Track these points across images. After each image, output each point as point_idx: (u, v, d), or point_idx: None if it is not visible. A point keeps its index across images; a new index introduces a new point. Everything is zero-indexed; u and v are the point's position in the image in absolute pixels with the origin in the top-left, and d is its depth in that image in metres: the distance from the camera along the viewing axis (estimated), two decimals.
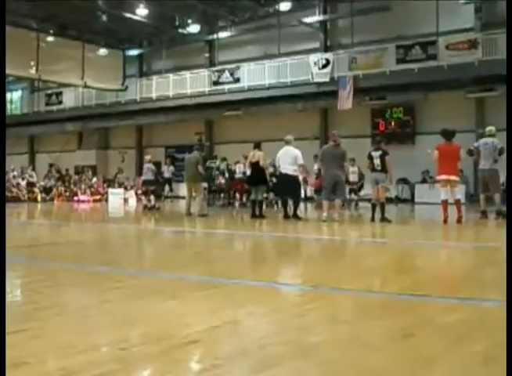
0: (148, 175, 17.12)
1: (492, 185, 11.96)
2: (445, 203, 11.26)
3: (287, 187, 12.52)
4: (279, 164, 12.62)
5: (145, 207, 16.95)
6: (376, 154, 11.75)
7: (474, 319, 3.53)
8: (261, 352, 2.79)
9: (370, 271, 5.68)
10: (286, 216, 12.56)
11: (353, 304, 4.07)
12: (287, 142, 12.62)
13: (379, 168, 11.67)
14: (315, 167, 17.45)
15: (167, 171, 22.57)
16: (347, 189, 15.37)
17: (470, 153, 12.16)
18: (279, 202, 16.31)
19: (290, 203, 13.06)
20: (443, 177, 11.36)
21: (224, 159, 20.94)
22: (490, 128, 12.28)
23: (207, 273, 5.42)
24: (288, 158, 12.35)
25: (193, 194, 14.37)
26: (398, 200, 21.37)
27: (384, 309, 3.83)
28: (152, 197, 17.04)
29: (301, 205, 15.18)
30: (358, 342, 2.99)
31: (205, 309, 3.72)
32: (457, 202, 11.35)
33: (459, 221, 10.98)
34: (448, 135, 11.53)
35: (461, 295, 4.31)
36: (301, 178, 13.52)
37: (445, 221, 10.97)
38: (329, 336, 3.14)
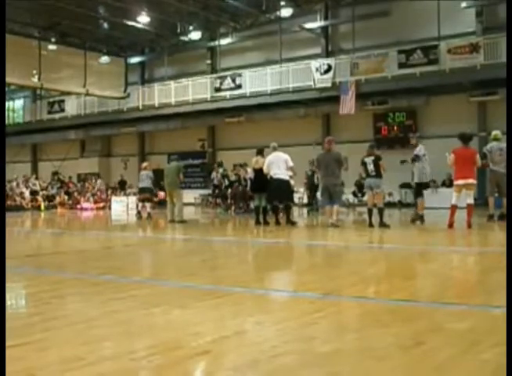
0: (145, 182, 16.91)
1: (501, 188, 11.95)
2: (454, 208, 11.11)
3: (280, 192, 12.50)
4: (269, 169, 12.55)
5: (147, 215, 16.77)
6: (369, 160, 11.78)
7: (485, 327, 3.49)
8: (273, 362, 2.77)
9: (377, 277, 5.65)
10: (277, 222, 12.61)
11: (362, 311, 4.03)
12: (275, 149, 12.77)
13: (373, 173, 11.71)
14: (309, 172, 18.07)
15: None
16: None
17: (484, 156, 12.11)
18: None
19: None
20: (460, 182, 11.14)
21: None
22: (497, 132, 12.25)
23: (214, 281, 5.39)
24: (280, 163, 12.40)
25: (174, 200, 14.70)
26: (401, 204, 21.34)
27: (393, 316, 3.80)
28: (148, 205, 16.98)
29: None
30: (369, 351, 2.96)
31: (214, 318, 3.70)
32: (470, 206, 11.15)
33: (469, 225, 10.87)
34: (465, 138, 11.42)
35: (471, 302, 4.27)
36: (292, 182, 13.50)
37: (451, 226, 10.85)
38: (340, 345, 3.12)
